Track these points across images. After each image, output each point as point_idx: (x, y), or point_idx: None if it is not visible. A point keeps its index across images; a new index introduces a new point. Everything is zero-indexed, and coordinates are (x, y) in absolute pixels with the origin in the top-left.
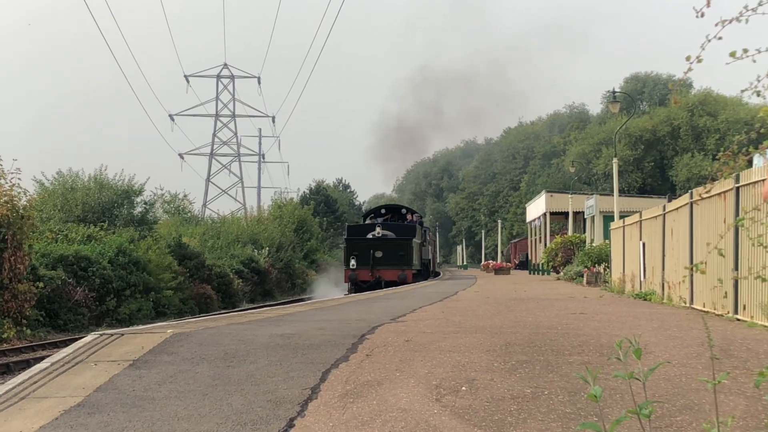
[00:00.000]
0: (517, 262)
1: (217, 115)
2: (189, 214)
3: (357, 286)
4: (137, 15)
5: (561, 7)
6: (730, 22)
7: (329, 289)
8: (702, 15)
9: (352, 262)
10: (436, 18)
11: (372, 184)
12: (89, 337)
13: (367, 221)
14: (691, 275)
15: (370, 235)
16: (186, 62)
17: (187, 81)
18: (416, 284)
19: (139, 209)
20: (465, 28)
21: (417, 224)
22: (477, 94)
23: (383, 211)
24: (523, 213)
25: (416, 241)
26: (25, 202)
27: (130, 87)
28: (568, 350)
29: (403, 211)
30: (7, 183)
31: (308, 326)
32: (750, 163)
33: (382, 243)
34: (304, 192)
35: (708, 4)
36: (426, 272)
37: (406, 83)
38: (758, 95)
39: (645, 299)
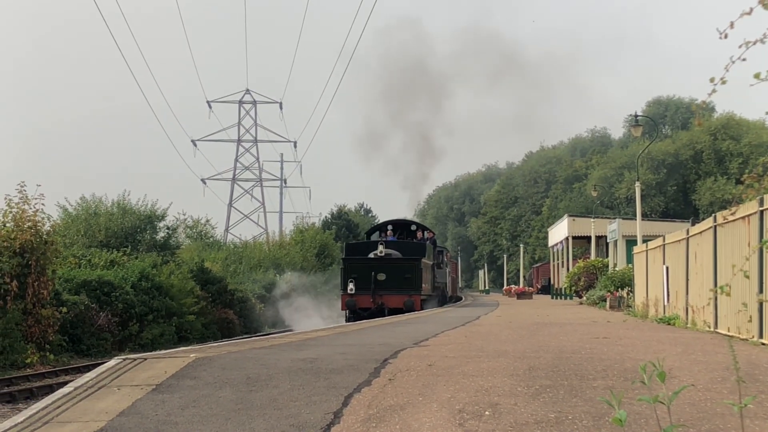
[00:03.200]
0: (539, 287)
1: (239, 141)
2: (211, 239)
3: (356, 314)
4: (158, 39)
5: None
6: (755, 43)
7: (312, 319)
8: (725, 36)
9: (350, 286)
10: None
11: (394, 208)
12: (112, 362)
13: (372, 239)
14: (716, 299)
15: (371, 255)
16: (208, 88)
17: (210, 106)
18: (437, 309)
19: (161, 234)
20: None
21: (428, 242)
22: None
23: (390, 227)
24: (545, 237)
25: (427, 261)
26: (48, 228)
27: (153, 112)
28: (591, 375)
29: (413, 227)
30: (30, 208)
31: (330, 351)
32: None
33: (385, 264)
34: (325, 217)
35: (731, 26)
36: (441, 298)
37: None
38: None
39: (669, 324)
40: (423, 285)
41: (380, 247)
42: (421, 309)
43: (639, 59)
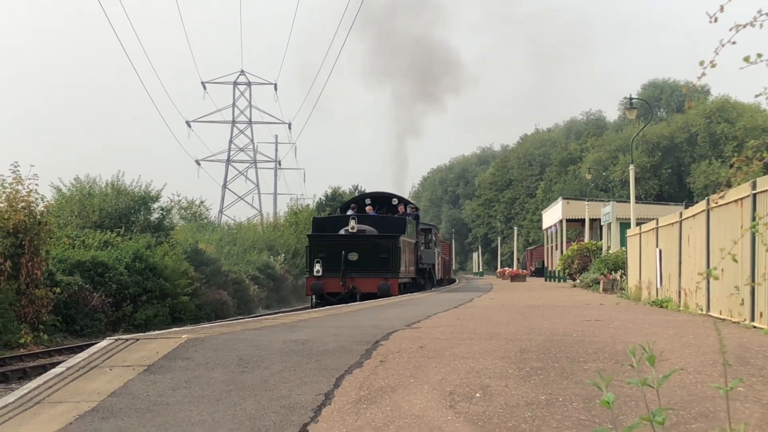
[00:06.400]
0: (533, 269)
1: (233, 122)
2: (205, 221)
3: (323, 299)
4: (153, 19)
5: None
6: (744, 26)
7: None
8: (715, 20)
9: (317, 267)
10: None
11: (388, 190)
12: (104, 342)
13: (348, 213)
14: (708, 282)
15: (342, 231)
16: (203, 69)
17: (204, 87)
18: (430, 292)
19: (155, 215)
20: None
21: (410, 217)
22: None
23: (368, 201)
24: (540, 220)
25: (407, 239)
26: (42, 208)
27: (147, 93)
28: (583, 357)
29: (395, 201)
30: (24, 189)
31: (322, 332)
32: (767, 168)
33: (357, 242)
34: (320, 198)
35: (721, 9)
36: (427, 281)
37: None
38: None
39: (661, 306)
40: (402, 267)
41: (352, 223)
42: (401, 294)
43: (643, 40)
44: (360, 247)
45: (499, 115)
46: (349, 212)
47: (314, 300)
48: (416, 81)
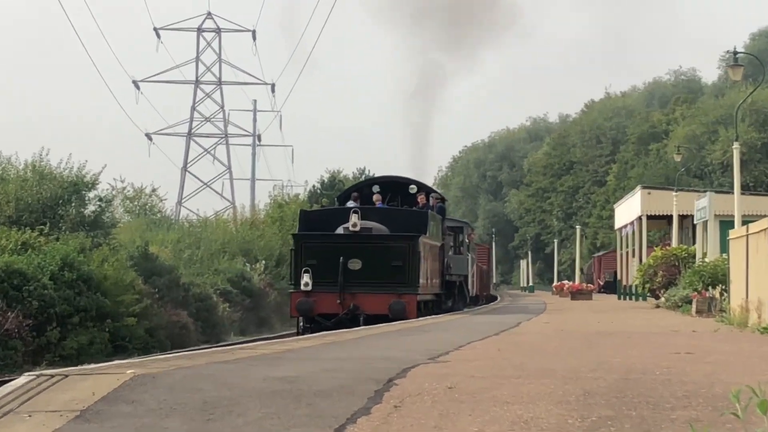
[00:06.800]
0: (601, 283)
1: (197, 82)
2: (159, 215)
3: (314, 323)
4: None
5: None
6: None
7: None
8: None
9: (305, 279)
10: None
11: (405, 175)
12: (22, 379)
13: (350, 205)
14: None
15: (340, 230)
16: (156, 9)
17: (158, 35)
18: (461, 313)
19: (91, 208)
20: None
21: (433, 211)
22: None
23: (376, 188)
24: (610, 217)
25: (429, 241)
26: None
27: (80, 40)
28: (669, 403)
29: (413, 188)
30: None
31: (316, 366)
32: None
33: (361, 244)
34: (313, 186)
35: None
36: (457, 299)
37: None
38: None
39: None
40: (422, 279)
41: (353, 218)
42: (420, 316)
43: None
44: (365, 252)
45: (557, 74)
46: (351, 203)
47: (302, 324)
48: (445, 21)
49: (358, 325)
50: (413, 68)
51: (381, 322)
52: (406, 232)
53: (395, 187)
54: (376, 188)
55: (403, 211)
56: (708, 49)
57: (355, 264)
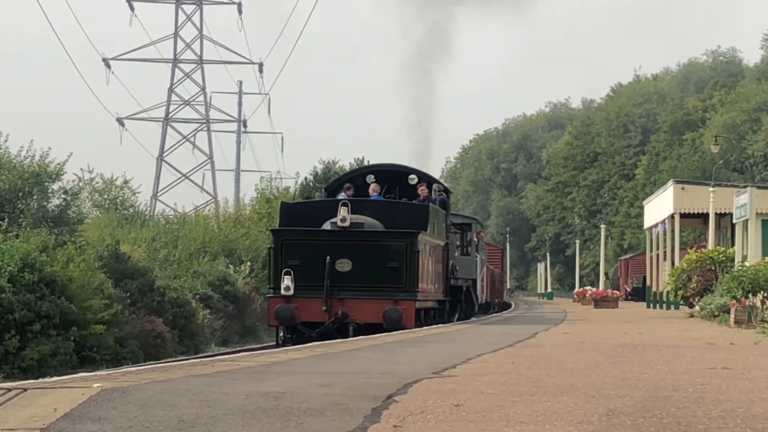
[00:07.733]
0: (628, 290)
1: (175, 60)
2: (132, 210)
3: (296, 333)
4: None
5: None
6: None
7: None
8: None
9: (286, 282)
10: None
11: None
12: None
13: (340, 197)
14: None
15: (327, 225)
16: None
17: (131, 7)
18: (469, 322)
19: (56, 201)
20: None
21: (434, 203)
22: None
23: (371, 178)
24: (639, 215)
25: (431, 239)
26: None
27: (42, 10)
28: (703, 424)
29: (413, 179)
30: None
31: (306, 381)
32: None
33: (351, 242)
34: (305, 178)
35: None
36: (464, 306)
37: None
38: None
39: None
40: (422, 283)
41: (343, 211)
42: (419, 326)
43: None
44: (355, 251)
45: (580, 54)
46: (341, 195)
47: (282, 334)
48: None
49: (347, 336)
50: (419, 24)
51: (373, 333)
52: (404, 228)
53: (393, 176)
54: (371, 178)
55: (400, 204)
56: (749, 26)
57: (344, 265)
